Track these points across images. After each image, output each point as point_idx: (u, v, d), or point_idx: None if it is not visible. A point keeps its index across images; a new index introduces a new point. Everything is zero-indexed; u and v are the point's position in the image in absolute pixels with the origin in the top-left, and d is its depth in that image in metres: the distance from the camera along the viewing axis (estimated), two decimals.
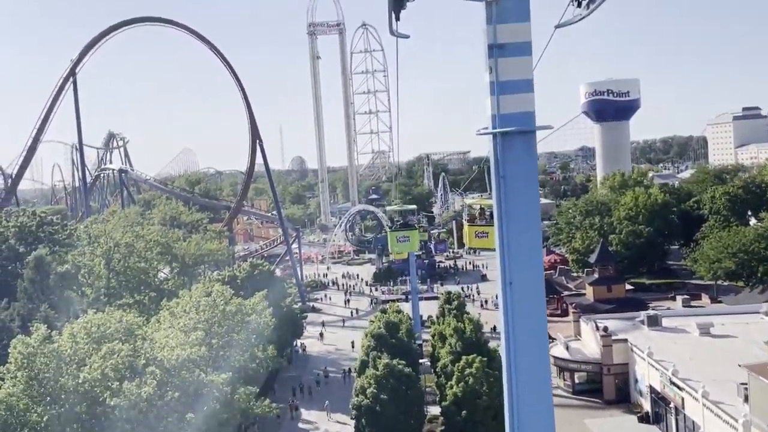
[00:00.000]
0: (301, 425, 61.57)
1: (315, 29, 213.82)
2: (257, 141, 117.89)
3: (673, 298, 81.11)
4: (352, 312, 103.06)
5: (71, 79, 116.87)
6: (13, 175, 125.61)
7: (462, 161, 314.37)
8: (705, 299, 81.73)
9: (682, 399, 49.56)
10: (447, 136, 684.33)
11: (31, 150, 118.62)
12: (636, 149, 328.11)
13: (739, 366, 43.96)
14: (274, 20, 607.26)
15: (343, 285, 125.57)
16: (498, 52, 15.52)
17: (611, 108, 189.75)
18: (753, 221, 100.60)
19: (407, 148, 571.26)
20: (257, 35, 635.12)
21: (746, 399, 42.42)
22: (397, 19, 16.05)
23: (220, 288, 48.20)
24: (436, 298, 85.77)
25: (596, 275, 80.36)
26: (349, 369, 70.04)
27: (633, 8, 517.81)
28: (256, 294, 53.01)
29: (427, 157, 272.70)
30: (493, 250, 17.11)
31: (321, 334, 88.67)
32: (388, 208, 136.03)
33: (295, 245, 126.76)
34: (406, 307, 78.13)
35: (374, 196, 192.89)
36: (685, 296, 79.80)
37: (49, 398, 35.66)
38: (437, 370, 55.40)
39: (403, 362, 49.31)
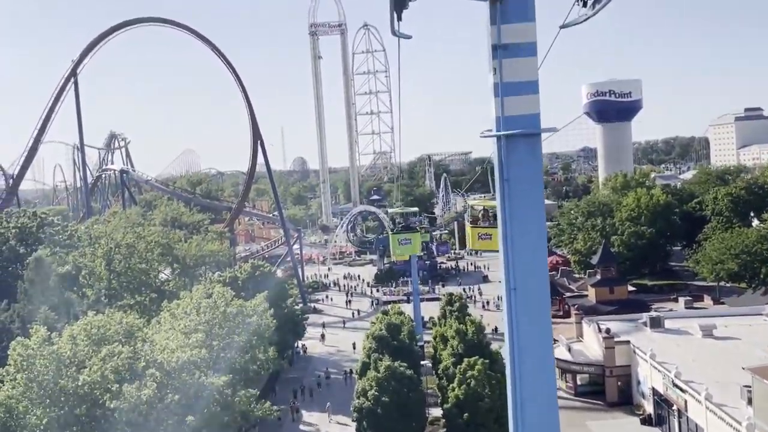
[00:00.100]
0: (302, 427, 61.35)
1: (317, 30, 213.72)
2: (259, 141, 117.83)
3: (676, 300, 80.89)
4: (353, 313, 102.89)
5: (72, 80, 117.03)
6: (15, 176, 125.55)
7: (463, 162, 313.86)
8: (707, 301, 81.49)
9: (685, 401, 49.30)
10: (448, 136, 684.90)
11: (33, 150, 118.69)
12: (638, 150, 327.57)
13: (743, 369, 43.75)
14: (275, 20, 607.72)
15: (344, 286, 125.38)
16: (502, 52, 15.24)
17: (613, 108, 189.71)
18: (755, 222, 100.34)
19: (408, 148, 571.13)
20: (258, 35, 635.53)
21: (750, 401, 42.21)
22: (399, 19, 15.81)
23: (220, 289, 48.03)
24: (437, 299, 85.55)
25: (598, 276, 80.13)
26: (351, 370, 69.78)
27: (634, 8, 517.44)
28: (257, 295, 52.84)
29: (428, 157, 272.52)
30: (497, 251, 16.85)
31: (322, 336, 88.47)
32: (390, 210, 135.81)
33: (296, 246, 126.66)
34: (408, 309, 77.91)
35: (376, 197, 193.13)
36: (688, 298, 79.58)
37: (48, 400, 35.51)
38: (439, 372, 55.18)
39: (405, 364, 49.12)
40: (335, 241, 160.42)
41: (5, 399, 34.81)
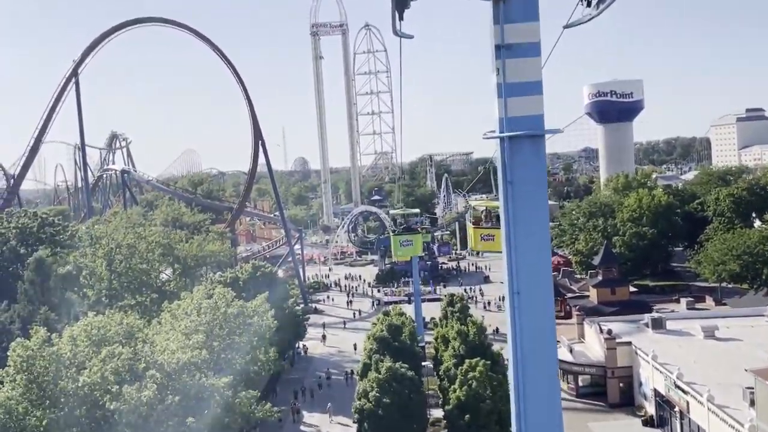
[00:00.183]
0: (303, 428, 61.23)
1: (318, 30, 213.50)
2: (260, 141, 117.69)
3: (677, 301, 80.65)
4: (354, 313, 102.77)
5: (73, 80, 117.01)
6: (16, 176, 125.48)
7: (465, 162, 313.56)
8: (709, 301, 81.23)
9: (687, 403, 49.15)
10: (450, 136, 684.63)
11: (34, 150, 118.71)
12: (639, 150, 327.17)
13: (746, 370, 43.61)
14: (276, 20, 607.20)
15: (345, 286, 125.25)
16: (506, 52, 15.07)
17: (614, 109, 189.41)
18: (757, 223, 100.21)
19: (410, 148, 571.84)
20: (259, 35, 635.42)
21: (752, 403, 42.05)
22: (401, 18, 15.67)
23: (221, 290, 47.85)
24: (439, 299, 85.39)
25: (600, 277, 79.94)
26: (352, 371, 69.63)
27: (636, 8, 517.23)
28: (258, 296, 52.65)
29: (429, 158, 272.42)
30: (500, 252, 16.63)
31: (323, 336, 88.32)
32: (391, 211, 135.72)
33: (297, 246, 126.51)
34: (409, 309, 77.79)
35: (377, 197, 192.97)
36: (690, 298, 79.32)
37: (48, 402, 35.41)
38: (440, 373, 55.05)
39: (406, 366, 48.98)
40: (336, 242, 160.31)
41: (5, 400, 34.64)
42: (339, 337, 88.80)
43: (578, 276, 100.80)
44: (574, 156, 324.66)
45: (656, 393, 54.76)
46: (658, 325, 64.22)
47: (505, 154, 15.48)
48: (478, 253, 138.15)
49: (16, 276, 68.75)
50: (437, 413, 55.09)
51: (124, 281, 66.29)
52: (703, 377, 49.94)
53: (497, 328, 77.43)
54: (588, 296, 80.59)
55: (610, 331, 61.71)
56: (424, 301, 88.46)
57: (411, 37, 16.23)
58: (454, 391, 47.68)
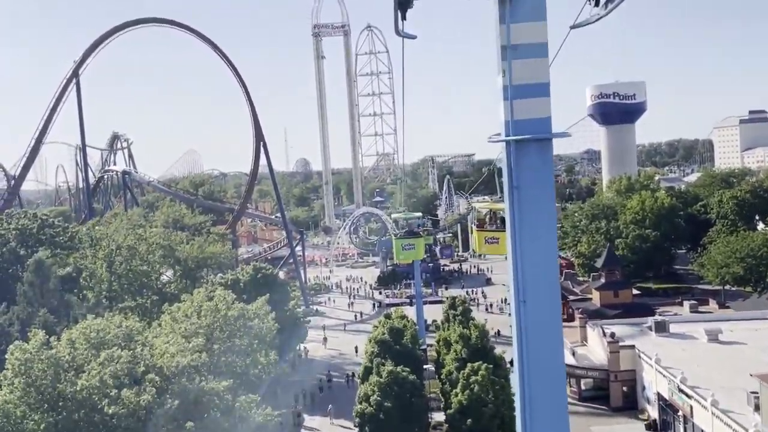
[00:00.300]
0: None
1: (320, 31, 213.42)
2: (261, 142, 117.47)
3: (681, 304, 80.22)
4: (355, 315, 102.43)
5: (74, 80, 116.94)
6: (16, 176, 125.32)
7: (467, 164, 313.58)
8: (713, 304, 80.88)
9: (691, 407, 48.76)
10: (452, 138, 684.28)
11: (34, 151, 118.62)
12: (642, 152, 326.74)
13: (751, 375, 43.21)
14: (277, 20, 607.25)
15: (347, 288, 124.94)
16: (512, 53, 14.66)
17: (617, 111, 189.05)
18: (761, 226, 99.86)
19: (412, 150, 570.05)
20: (260, 35, 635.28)
21: (757, 408, 41.72)
22: (404, 18, 15.29)
23: (222, 292, 47.58)
24: (440, 301, 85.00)
25: (603, 280, 79.59)
26: (353, 374, 69.32)
27: (639, 10, 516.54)
28: (259, 298, 52.38)
29: (431, 159, 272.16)
30: (504, 256, 16.26)
31: (324, 339, 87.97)
32: (393, 214, 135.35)
33: (298, 248, 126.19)
34: (411, 311, 77.38)
35: (379, 199, 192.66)
36: (693, 301, 78.87)
37: (46, 405, 35.11)
38: (442, 376, 54.68)
39: (408, 369, 48.58)
40: (338, 243, 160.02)
41: (3, 404, 34.35)
42: (340, 340, 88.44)
43: (581, 278, 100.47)
44: (576, 158, 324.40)
45: (659, 397, 54.37)
46: (661, 328, 63.83)
47: (511, 158, 15.02)
48: (480, 255, 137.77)
49: (15, 278, 68.37)
50: (439, 417, 54.68)
51: (124, 283, 66.11)
52: (707, 381, 49.55)
53: (499, 331, 77.10)
54: (591, 299, 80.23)
55: (613, 335, 61.35)
56: (425, 303, 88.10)
57: (414, 37, 15.85)
58: (456, 394, 47.29)
